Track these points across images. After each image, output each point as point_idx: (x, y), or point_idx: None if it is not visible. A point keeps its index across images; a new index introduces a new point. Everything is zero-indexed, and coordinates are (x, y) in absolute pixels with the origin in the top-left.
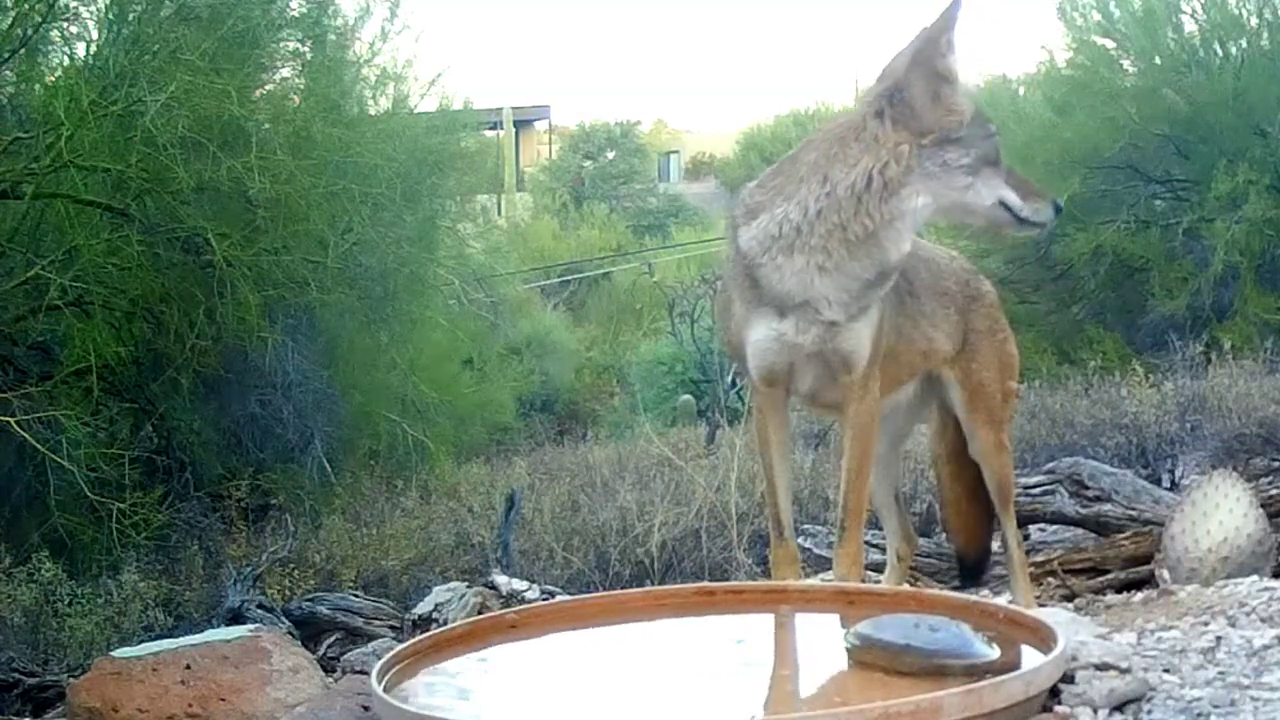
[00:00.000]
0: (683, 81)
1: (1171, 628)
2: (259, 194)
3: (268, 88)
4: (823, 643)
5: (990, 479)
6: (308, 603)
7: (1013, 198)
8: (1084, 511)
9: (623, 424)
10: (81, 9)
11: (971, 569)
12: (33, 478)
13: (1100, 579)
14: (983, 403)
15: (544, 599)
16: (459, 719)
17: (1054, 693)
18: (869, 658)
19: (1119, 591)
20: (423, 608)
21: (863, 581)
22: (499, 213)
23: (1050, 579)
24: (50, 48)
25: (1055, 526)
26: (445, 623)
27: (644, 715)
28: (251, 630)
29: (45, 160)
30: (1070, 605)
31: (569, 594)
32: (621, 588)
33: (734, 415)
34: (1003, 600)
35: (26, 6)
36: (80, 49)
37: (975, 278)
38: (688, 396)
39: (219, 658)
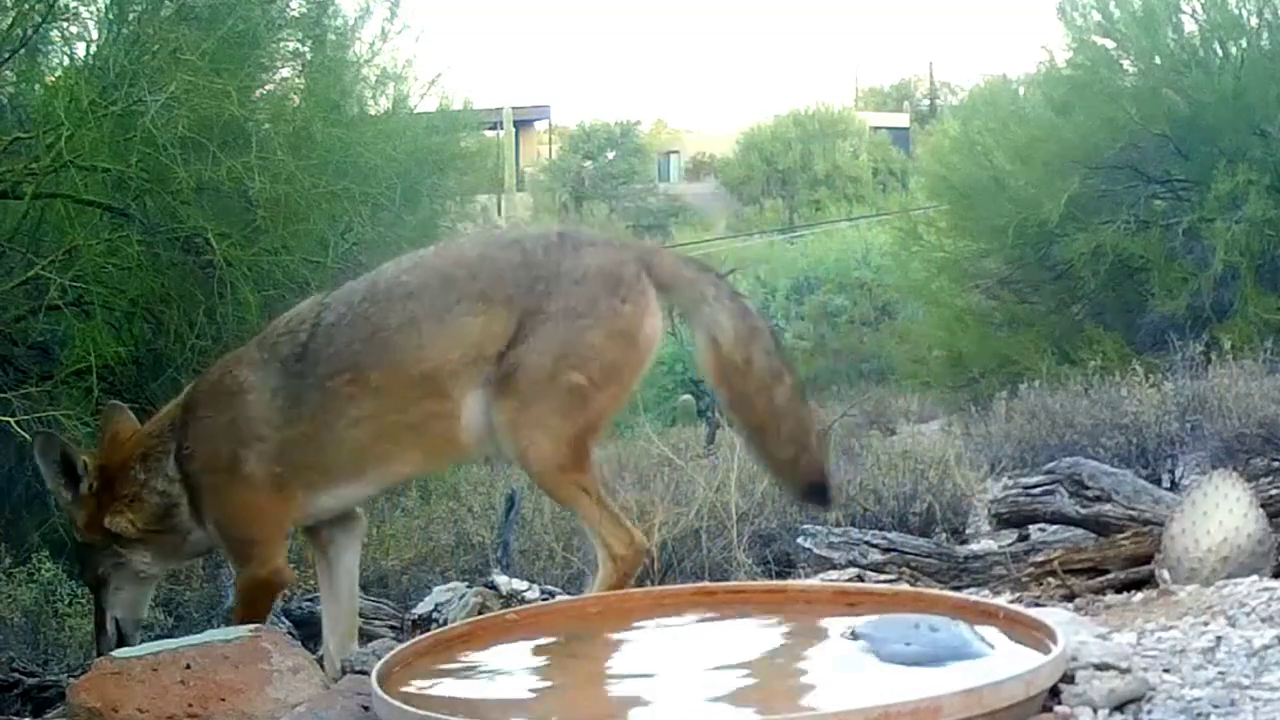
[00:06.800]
0: (683, 81)
1: (1171, 628)
2: (259, 194)
3: (268, 88)
4: (822, 642)
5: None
6: (308, 603)
7: None
8: (1084, 511)
9: (623, 424)
10: (81, 9)
11: (818, 489)
12: (33, 478)
13: (1100, 579)
14: (516, 384)
15: (544, 599)
16: (459, 719)
17: (1054, 693)
18: (869, 657)
19: (1119, 591)
20: (423, 608)
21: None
22: (499, 213)
23: (1050, 579)
24: (50, 48)
25: (1055, 526)
26: (445, 623)
27: (643, 714)
28: (251, 630)
29: (45, 160)
30: (1070, 605)
31: (569, 594)
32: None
33: None
34: (1002, 600)
35: (26, 6)
36: (80, 49)
37: (564, 254)
38: (688, 396)
39: (219, 658)
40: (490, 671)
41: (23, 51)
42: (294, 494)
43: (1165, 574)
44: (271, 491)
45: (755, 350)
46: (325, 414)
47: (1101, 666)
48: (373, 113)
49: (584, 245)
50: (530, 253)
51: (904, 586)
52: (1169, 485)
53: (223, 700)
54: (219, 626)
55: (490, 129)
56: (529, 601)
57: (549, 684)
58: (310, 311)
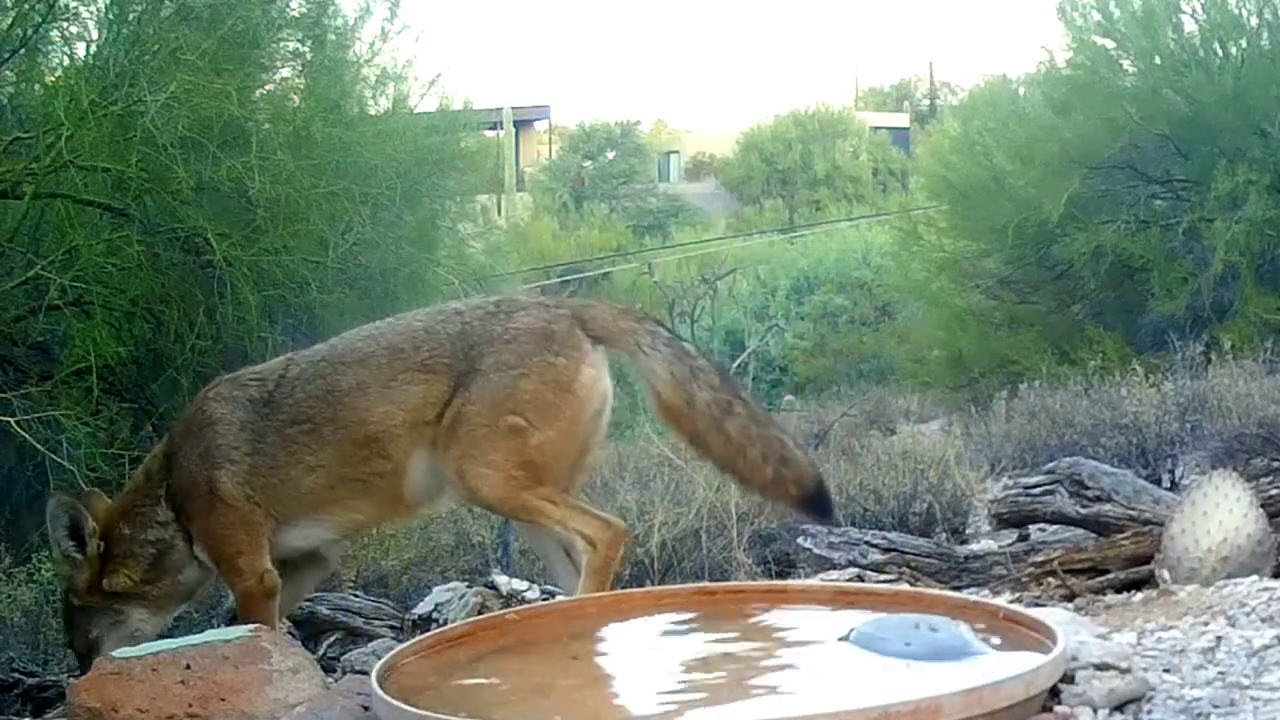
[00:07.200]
0: (683, 81)
1: (1171, 628)
2: (259, 194)
3: (268, 88)
4: (823, 643)
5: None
6: (307, 603)
7: None
8: (1084, 511)
9: (623, 424)
10: (81, 9)
11: (814, 500)
12: (33, 478)
13: (1100, 579)
14: (457, 434)
15: (544, 599)
16: (459, 719)
17: (1054, 693)
18: (868, 658)
19: (1119, 591)
20: (423, 608)
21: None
22: (499, 213)
23: (1050, 579)
24: (50, 48)
25: (1055, 526)
26: (445, 623)
27: (642, 714)
28: (251, 630)
29: (45, 160)
30: (1070, 605)
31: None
32: (621, 588)
33: None
34: (1002, 600)
35: (26, 6)
36: (80, 49)
37: (497, 320)
38: None
39: (219, 658)
40: (490, 671)
41: (23, 51)
42: (266, 516)
43: (1165, 574)
44: (247, 508)
45: (696, 389)
46: (287, 456)
47: (1101, 666)
48: (373, 113)
49: (517, 310)
50: (468, 323)
51: (904, 586)
52: (1169, 485)
53: (223, 700)
54: (219, 626)
55: (490, 129)
56: (529, 601)
57: (549, 684)
58: (279, 365)
